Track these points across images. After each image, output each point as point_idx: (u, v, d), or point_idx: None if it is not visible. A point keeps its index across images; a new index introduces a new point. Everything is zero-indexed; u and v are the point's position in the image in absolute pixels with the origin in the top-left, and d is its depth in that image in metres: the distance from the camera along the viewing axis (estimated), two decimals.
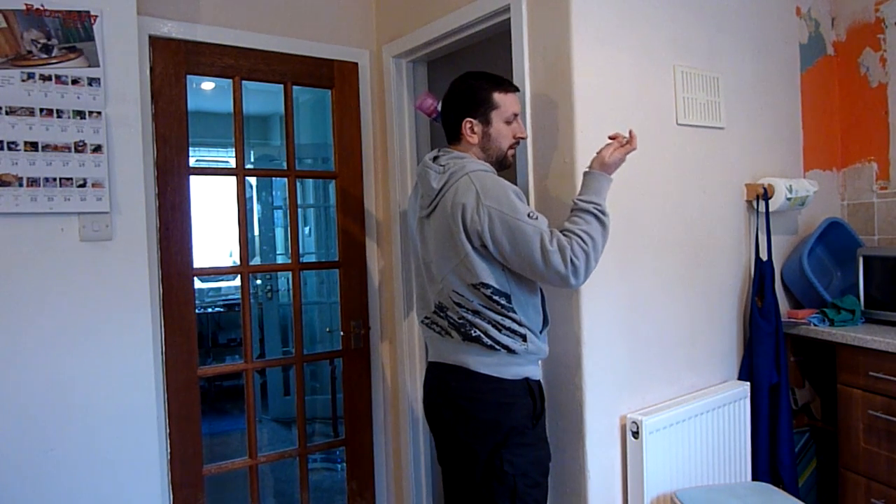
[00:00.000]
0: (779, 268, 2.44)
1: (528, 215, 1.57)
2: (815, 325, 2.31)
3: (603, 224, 1.63)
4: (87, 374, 1.90)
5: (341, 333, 2.67)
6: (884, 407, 2.09)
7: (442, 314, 1.73)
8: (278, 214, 4.97)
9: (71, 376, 1.88)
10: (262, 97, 4.57)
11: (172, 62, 2.27)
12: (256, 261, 4.82)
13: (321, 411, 4.09)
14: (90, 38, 1.91)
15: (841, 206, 2.73)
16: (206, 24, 2.31)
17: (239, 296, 2.64)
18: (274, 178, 4.88)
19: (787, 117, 2.54)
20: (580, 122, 1.85)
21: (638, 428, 1.87)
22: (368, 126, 2.69)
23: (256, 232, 4.99)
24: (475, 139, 1.73)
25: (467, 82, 1.76)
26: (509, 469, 1.64)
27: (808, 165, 2.61)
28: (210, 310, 5.71)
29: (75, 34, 1.89)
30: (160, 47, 2.24)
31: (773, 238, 2.32)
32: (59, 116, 1.87)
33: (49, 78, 1.86)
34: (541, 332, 1.73)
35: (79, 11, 1.89)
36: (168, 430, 2.23)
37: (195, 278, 2.35)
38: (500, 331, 1.65)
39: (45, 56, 1.85)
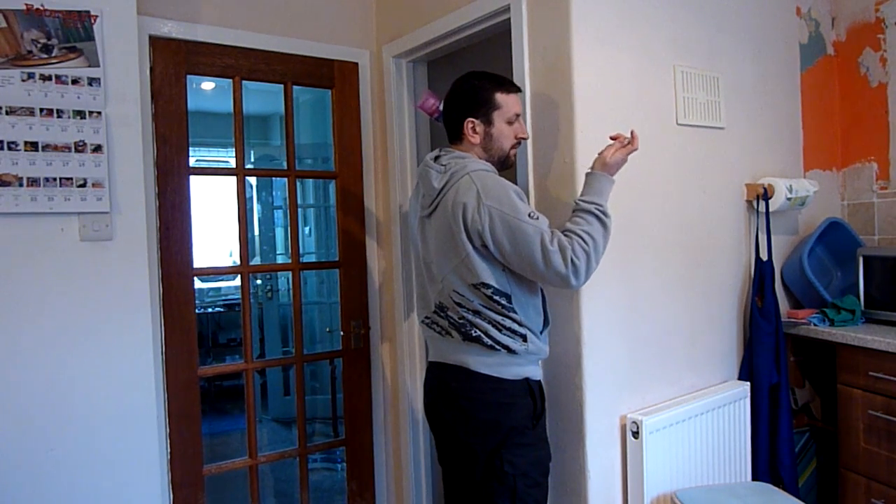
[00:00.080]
0: (779, 268, 2.44)
1: (529, 215, 1.57)
2: (815, 325, 2.31)
3: (604, 225, 1.63)
4: (87, 374, 1.90)
5: (341, 333, 2.67)
6: (884, 407, 2.09)
7: (442, 314, 1.73)
8: (278, 214, 4.97)
9: (71, 376, 1.88)
10: (262, 97, 4.57)
11: (172, 62, 2.27)
12: (256, 261, 4.82)
13: (321, 411, 4.09)
14: (90, 38, 1.91)
15: (841, 206, 2.73)
16: (206, 24, 2.31)
17: (239, 296, 2.64)
18: (274, 178, 4.88)
19: (787, 117, 2.54)
20: (580, 122, 1.85)
21: (638, 428, 1.87)
22: (368, 126, 2.69)
23: (256, 232, 4.99)
24: (477, 139, 1.73)
25: (470, 82, 1.76)
26: (509, 469, 1.64)
27: (808, 165, 2.61)
28: (210, 310, 5.71)
29: (75, 34, 1.89)
30: (160, 47, 2.24)
31: (773, 238, 2.32)
32: (59, 116, 1.87)
33: (49, 78, 1.86)
34: (541, 333, 1.73)
35: (79, 11, 1.89)
36: (168, 430, 2.23)
37: (195, 278, 2.35)
38: (500, 331, 1.65)
39: (45, 56, 1.85)
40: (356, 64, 2.66)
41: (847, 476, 2.23)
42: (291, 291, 2.73)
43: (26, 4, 1.83)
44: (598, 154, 1.70)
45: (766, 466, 2.24)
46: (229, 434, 4.39)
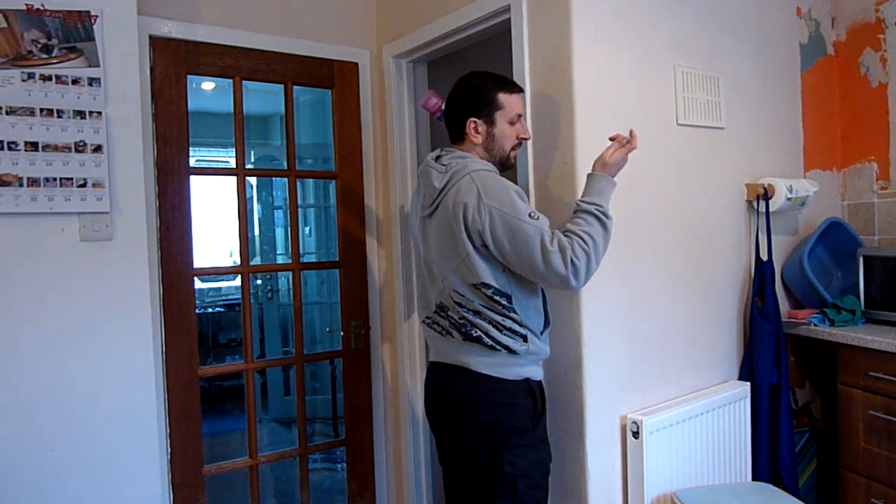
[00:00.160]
0: (779, 268, 2.44)
1: (530, 215, 1.57)
2: (815, 325, 2.31)
3: (604, 226, 1.62)
4: (87, 374, 1.90)
5: (341, 333, 2.67)
6: (884, 407, 2.09)
7: (443, 314, 1.73)
8: (278, 214, 4.97)
9: (71, 376, 1.88)
10: (262, 97, 4.57)
11: (172, 62, 2.27)
12: (256, 261, 4.82)
13: (321, 411, 4.09)
14: (90, 38, 1.91)
15: (841, 206, 2.73)
16: (206, 24, 2.31)
17: (239, 296, 2.64)
18: (274, 178, 4.88)
19: (787, 117, 2.54)
20: (580, 121, 1.85)
21: (638, 428, 1.87)
22: (368, 126, 2.69)
23: (256, 232, 4.99)
24: (479, 139, 1.73)
25: (472, 82, 1.76)
26: (510, 469, 1.64)
27: (808, 165, 2.61)
28: (210, 310, 5.71)
29: (75, 34, 1.89)
30: (160, 47, 2.24)
31: (773, 238, 2.32)
32: (59, 116, 1.87)
33: (49, 78, 1.86)
34: (542, 333, 1.73)
35: (79, 11, 1.89)
36: (168, 430, 2.23)
37: (195, 278, 2.35)
38: (500, 331, 1.65)
39: (46, 56, 1.85)
40: (356, 64, 2.66)
41: (847, 476, 2.23)
42: (291, 291, 2.73)
43: (26, 4, 1.83)
44: (599, 155, 1.71)
45: (766, 466, 2.24)
46: (229, 434, 4.38)
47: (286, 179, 2.65)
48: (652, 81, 2.06)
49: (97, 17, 1.92)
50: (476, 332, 1.66)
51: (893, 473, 2.08)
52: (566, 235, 1.59)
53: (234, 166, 2.51)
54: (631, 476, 1.91)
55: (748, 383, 2.23)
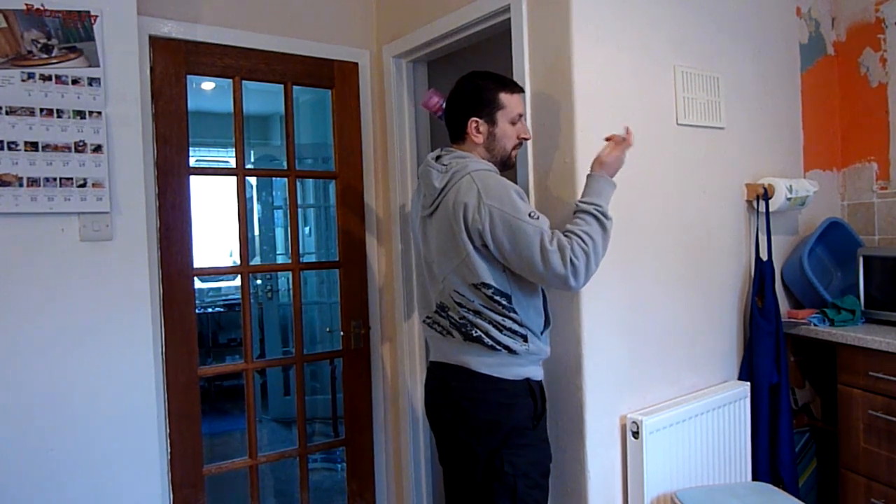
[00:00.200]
0: (779, 268, 2.44)
1: (530, 215, 1.57)
2: (815, 325, 2.31)
3: (603, 225, 1.62)
4: (87, 374, 1.90)
5: (341, 333, 2.67)
6: (884, 407, 2.09)
7: (443, 314, 1.73)
8: (278, 214, 4.97)
9: (71, 376, 1.88)
10: (262, 97, 4.57)
11: (172, 62, 2.27)
12: (256, 261, 4.82)
13: (321, 411, 4.09)
14: (90, 38, 1.91)
15: (841, 206, 2.73)
16: (206, 24, 2.31)
17: (239, 296, 2.64)
18: (274, 178, 4.88)
19: (787, 117, 2.54)
20: (580, 121, 1.85)
21: (638, 428, 1.87)
22: (368, 126, 2.69)
23: (256, 232, 4.99)
24: (480, 139, 1.73)
25: (474, 82, 1.76)
26: (510, 469, 1.64)
27: (808, 165, 2.61)
28: (210, 310, 5.71)
29: (75, 34, 1.89)
30: (160, 47, 2.24)
31: (773, 238, 2.32)
32: (59, 116, 1.87)
33: (49, 78, 1.86)
34: (542, 333, 1.73)
35: (79, 11, 1.89)
36: (168, 430, 2.23)
37: (195, 278, 2.35)
38: (500, 331, 1.65)
39: (45, 56, 1.85)
40: (356, 64, 2.66)
41: (847, 476, 2.23)
42: (291, 291, 2.73)
43: (26, 4, 1.83)
44: (596, 156, 1.71)
45: (766, 466, 2.24)
46: (229, 434, 4.38)
47: (286, 179, 2.65)
48: (652, 81, 2.06)
49: (97, 17, 1.92)
50: (476, 332, 1.66)
51: (893, 473, 2.08)
52: (565, 235, 1.59)
53: (234, 166, 2.51)
54: (631, 476, 1.91)
55: (748, 383, 2.23)
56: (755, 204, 2.34)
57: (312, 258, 4.43)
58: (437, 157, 1.75)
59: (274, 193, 4.99)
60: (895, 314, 2.29)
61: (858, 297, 2.38)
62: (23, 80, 1.83)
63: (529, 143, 1.95)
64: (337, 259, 2.69)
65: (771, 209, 2.30)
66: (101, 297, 1.93)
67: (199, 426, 2.33)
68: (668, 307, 2.09)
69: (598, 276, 1.77)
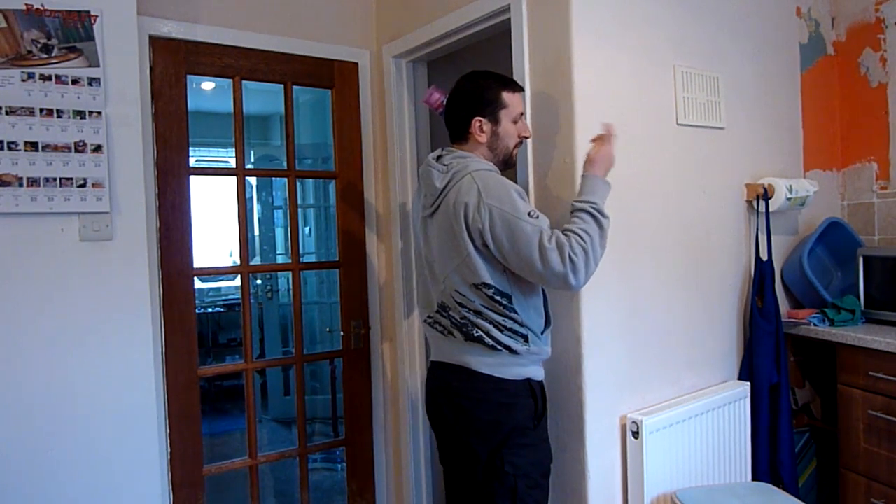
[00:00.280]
0: (779, 268, 2.44)
1: (529, 214, 1.57)
2: (815, 325, 2.31)
3: (599, 223, 1.61)
4: (87, 374, 1.90)
5: (341, 333, 2.67)
6: (884, 407, 2.09)
7: (444, 314, 1.73)
8: (278, 214, 4.97)
9: (71, 376, 1.88)
10: (262, 97, 4.57)
11: (172, 62, 2.27)
12: (256, 261, 4.82)
13: (321, 411, 4.09)
14: (90, 38, 1.91)
15: (841, 206, 2.73)
16: (206, 24, 2.31)
17: (239, 296, 2.64)
18: (274, 178, 4.88)
19: (787, 117, 2.54)
20: (580, 121, 1.85)
21: (638, 428, 1.87)
22: (368, 126, 2.69)
23: (256, 232, 4.99)
24: (484, 138, 1.73)
25: (476, 81, 1.76)
26: (510, 469, 1.64)
27: (808, 165, 2.61)
28: (210, 310, 5.71)
29: (75, 34, 1.89)
30: (160, 47, 2.24)
31: (773, 238, 2.32)
32: (59, 116, 1.87)
33: (49, 78, 1.86)
34: (542, 333, 1.73)
35: (79, 11, 1.89)
36: (168, 430, 2.23)
37: (195, 278, 2.35)
38: (501, 331, 1.65)
39: (45, 56, 1.85)
40: (356, 64, 2.66)
41: (847, 476, 2.23)
42: (291, 291, 2.73)
43: (26, 4, 1.83)
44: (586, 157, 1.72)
45: (766, 466, 2.24)
46: (229, 434, 4.39)
47: (286, 179, 2.65)
48: (652, 81, 2.06)
49: (97, 17, 1.92)
50: (477, 332, 1.66)
51: (893, 473, 2.08)
52: (564, 233, 1.58)
53: (234, 166, 2.51)
54: (631, 476, 1.91)
55: (748, 383, 2.23)
56: (755, 204, 2.34)
57: (312, 258, 4.43)
58: (438, 157, 1.75)
59: (274, 193, 4.99)
60: (895, 314, 2.29)
61: (858, 297, 2.38)
62: (23, 80, 1.83)
63: (529, 142, 1.95)
64: (337, 259, 2.69)
65: (771, 209, 2.30)
66: (100, 297, 1.93)
67: (199, 426, 2.33)
68: (668, 307, 2.09)
69: (598, 276, 1.77)
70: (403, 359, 2.61)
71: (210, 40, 2.33)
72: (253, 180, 4.86)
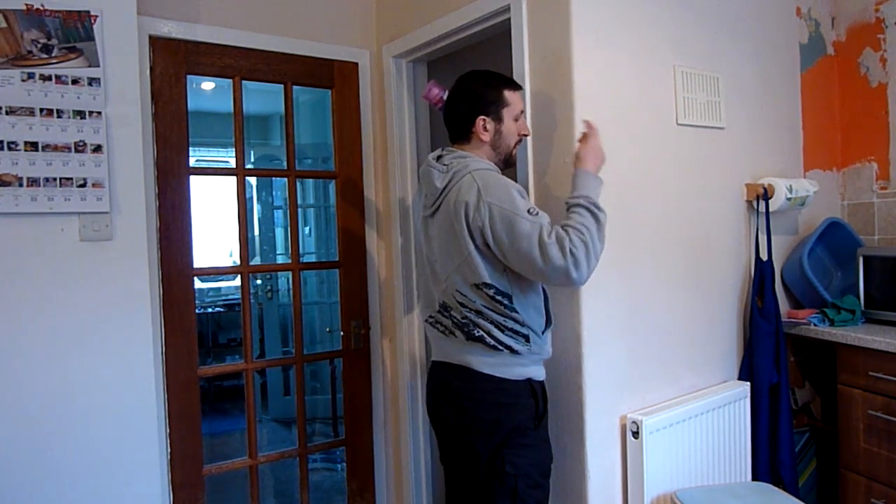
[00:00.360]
0: (779, 268, 2.44)
1: (529, 211, 1.57)
2: (815, 325, 2.31)
3: (595, 216, 1.61)
4: (87, 374, 1.90)
5: (341, 333, 2.67)
6: (884, 407, 2.09)
7: (446, 314, 1.73)
8: (278, 214, 4.97)
9: (71, 376, 1.88)
10: (262, 97, 4.57)
11: (172, 62, 2.27)
12: (256, 261, 4.82)
13: (321, 411, 4.10)
14: (90, 38, 1.91)
15: (841, 206, 2.73)
16: (206, 24, 2.31)
17: (239, 296, 2.64)
18: (274, 178, 4.88)
19: (787, 117, 2.54)
20: (580, 121, 1.84)
21: (638, 428, 1.87)
22: (368, 126, 2.69)
23: (256, 232, 4.99)
24: (487, 137, 1.73)
25: (478, 80, 1.77)
26: (510, 469, 1.64)
27: (808, 165, 2.61)
28: (210, 310, 5.71)
29: (75, 34, 1.89)
30: (160, 47, 2.24)
31: (773, 238, 2.32)
32: (59, 116, 1.87)
33: (49, 78, 1.86)
34: (543, 333, 1.73)
35: (79, 11, 1.89)
36: (168, 430, 2.23)
37: (195, 278, 2.35)
38: (502, 331, 1.65)
39: (45, 56, 1.85)
40: (356, 64, 2.66)
41: (847, 476, 2.23)
42: (291, 291, 2.73)
43: (26, 4, 1.83)
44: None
45: (766, 466, 2.24)
46: (229, 434, 4.39)
47: (286, 179, 2.65)
48: (652, 81, 2.06)
49: (97, 17, 1.92)
50: (478, 331, 1.66)
51: (893, 473, 2.08)
52: (562, 229, 1.58)
53: (234, 166, 2.51)
54: (631, 476, 1.91)
55: (748, 383, 2.23)
56: (755, 204, 2.34)
57: (312, 258, 4.44)
58: (438, 157, 1.75)
59: (274, 193, 4.99)
60: (895, 314, 2.29)
61: (858, 297, 2.38)
62: (23, 80, 1.83)
63: (529, 142, 1.95)
64: (337, 259, 2.69)
65: (771, 209, 2.30)
66: (101, 297, 1.93)
67: (199, 426, 2.33)
68: (668, 307, 2.09)
69: (598, 276, 1.77)
70: (403, 359, 2.61)
71: (210, 40, 2.33)
72: (253, 180, 4.86)
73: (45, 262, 1.86)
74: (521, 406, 1.68)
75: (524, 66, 1.96)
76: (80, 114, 1.89)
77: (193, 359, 2.31)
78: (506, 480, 1.64)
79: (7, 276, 1.82)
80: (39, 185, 1.84)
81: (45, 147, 1.85)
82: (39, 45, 1.85)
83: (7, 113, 1.81)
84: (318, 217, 4.44)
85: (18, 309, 1.83)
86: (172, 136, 2.27)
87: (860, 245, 2.50)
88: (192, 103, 2.34)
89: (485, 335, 1.65)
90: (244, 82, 2.45)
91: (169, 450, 2.23)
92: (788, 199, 2.29)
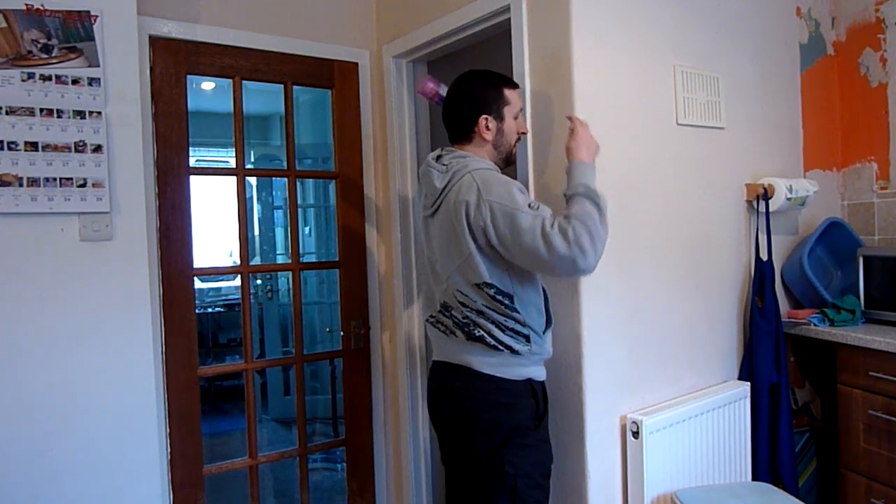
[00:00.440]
0: (779, 268, 2.44)
1: (529, 205, 1.56)
2: (815, 325, 2.31)
3: (595, 203, 1.59)
4: (87, 374, 1.90)
5: (341, 333, 2.67)
6: (884, 407, 2.09)
7: (447, 313, 1.73)
8: (278, 214, 4.97)
9: (71, 376, 1.88)
10: (262, 97, 4.57)
11: (172, 62, 2.27)
12: (256, 261, 4.82)
13: (321, 411, 4.10)
14: (90, 38, 1.91)
15: (841, 206, 2.73)
16: (206, 24, 2.31)
17: (239, 296, 2.64)
18: (274, 178, 4.88)
19: (787, 117, 2.54)
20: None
21: (638, 428, 1.87)
22: (369, 126, 2.69)
23: (256, 232, 4.99)
24: (489, 135, 1.73)
25: (479, 80, 1.77)
26: (510, 469, 1.64)
27: (808, 165, 2.61)
28: (210, 310, 5.71)
29: (75, 34, 1.89)
30: (160, 47, 2.24)
31: (773, 238, 2.32)
32: (59, 116, 1.87)
33: (49, 78, 1.86)
34: (544, 333, 1.73)
35: (79, 11, 1.89)
36: (168, 430, 2.23)
37: (195, 278, 2.35)
38: (503, 331, 1.65)
39: (45, 56, 1.85)
40: (356, 64, 2.66)
41: (847, 476, 2.23)
42: (291, 291, 2.73)
43: (26, 4, 1.83)
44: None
45: (766, 466, 2.24)
46: (229, 434, 4.39)
47: (286, 179, 2.65)
48: (652, 81, 2.06)
49: (97, 17, 1.92)
50: (479, 331, 1.66)
51: (893, 473, 2.08)
52: (564, 219, 1.57)
53: (234, 166, 2.51)
54: (631, 476, 1.91)
55: (748, 383, 2.23)
56: (755, 204, 2.34)
57: (312, 258, 4.44)
58: (438, 158, 1.76)
59: (274, 193, 4.99)
60: (895, 314, 2.29)
61: (858, 297, 2.38)
62: (23, 80, 1.83)
63: (529, 142, 1.95)
64: (337, 259, 2.69)
65: (771, 209, 2.30)
66: (101, 297, 1.93)
67: (198, 426, 2.33)
68: (668, 307, 2.09)
69: (599, 276, 1.77)
70: (403, 359, 2.61)
71: (210, 40, 2.33)
72: (253, 180, 4.86)
73: (45, 262, 1.86)
74: (521, 406, 1.68)
75: (524, 66, 1.96)
76: (80, 114, 1.89)
77: (193, 359, 2.31)
78: (506, 480, 1.64)
79: (7, 276, 1.82)
80: (39, 185, 1.84)
81: (45, 147, 1.85)
82: (39, 45, 1.85)
83: (7, 113, 1.81)
84: (318, 217, 4.44)
85: (18, 309, 1.83)
86: (172, 136, 2.27)
87: (860, 245, 2.50)
88: (192, 103, 2.34)
89: (485, 335, 1.65)
90: (244, 82, 2.45)
91: (169, 450, 2.23)
92: (788, 199, 2.29)
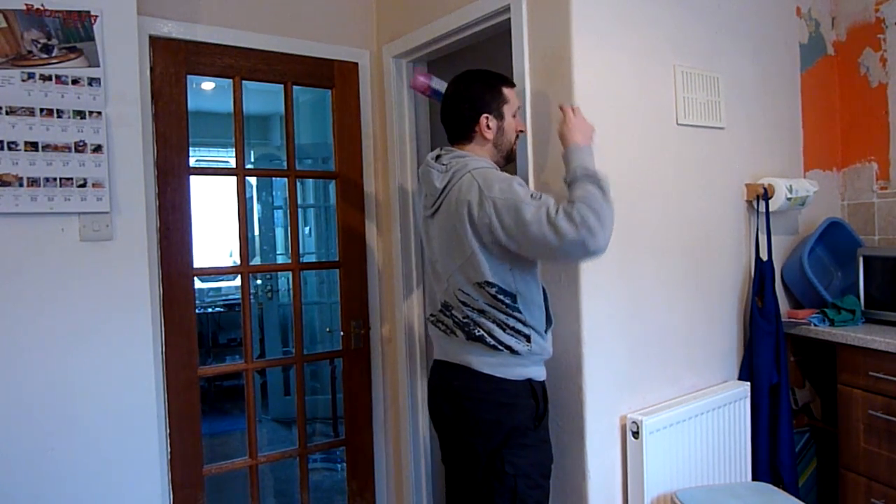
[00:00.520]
0: (779, 268, 2.44)
1: (531, 196, 1.56)
2: (815, 325, 2.31)
3: (597, 183, 1.59)
4: (87, 374, 1.90)
5: (341, 333, 2.67)
6: (884, 407, 2.09)
7: (447, 313, 1.74)
8: (278, 214, 4.97)
9: (71, 376, 1.88)
10: (262, 97, 4.57)
11: (172, 62, 2.27)
12: (256, 261, 4.82)
13: (321, 411, 4.10)
14: (90, 38, 1.91)
15: (841, 206, 2.73)
16: (206, 24, 2.31)
17: (239, 296, 2.64)
18: (274, 178, 4.88)
19: (787, 117, 2.54)
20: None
21: (638, 428, 1.87)
22: (369, 126, 2.69)
23: (256, 232, 4.99)
24: (490, 134, 1.74)
25: (478, 80, 1.77)
26: (510, 469, 1.64)
27: (808, 165, 2.61)
28: (210, 310, 5.71)
29: (75, 34, 1.89)
30: (160, 47, 2.24)
31: (773, 238, 2.32)
32: (59, 116, 1.87)
33: (49, 78, 1.86)
34: (545, 332, 1.73)
35: (79, 11, 1.89)
36: (168, 430, 2.23)
37: (195, 278, 2.35)
38: (504, 330, 1.65)
39: (46, 56, 1.85)
40: (356, 64, 2.66)
41: (847, 476, 2.23)
42: (291, 291, 2.73)
43: (26, 4, 1.83)
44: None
45: (766, 466, 2.24)
46: (229, 434, 4.39)
47: (286, 179, 2.66)
48: (652, 81, 2.06)
49: (97, 17, 1.92)
50: (479, 331, 1.66)
51: (893, 473, 2.08)
52: (568, 203, 1.57)
53: (234, 166, 2.51)
54: (631, 476, 1.91)
55: (748, 383, 2.23)
56: (755, 204, 2.34)
57: (312, 258, 4.44)
58: (437, 158, 1.76)
59: (274, 193, 4.99)
60: (895, 314, 2.29)
61: (858, 297, 2.38)
62: (23, 80, 1.83)
63: (529, 142, 1.96)
64: (337, 259, 2.69)
65: (771, 209, 2.30)
66: (101, 297, 1.93)
67: (198, 426, 2.33)
68: (668, 307, 2.09)
69: (599, 276, 1.78)
70: (403, 358, 2.61)
71: (210, 40, 2.33)
72: (253, 180, 4.87)
73: (45, 262, 1.86)
74: (520, 406, 1.68)
75: (524, 66, 1.96)
76: (80, 114, 1.89)
77: (193, 359, 2.31)
78: (505, 480, 1.64)
79: (7, 276, 1.82)
80: (39, 185, 1.84)
81: (45, 147, 1.85)
82: (39, 45, 1.85)
83: (7, 113, 1.81)
84: (318, 217, 4.44)
85: (18, 309, 1.83)
86: (172, 136, 2.27)
87: (860, 245, 2.50)
88: (192, 103, 2.34)
89: (485, 335, 1.65)
90: (244, 82, 2.45)
91: (169, 450, 2.23)
92: (788, 199, 2.29)
